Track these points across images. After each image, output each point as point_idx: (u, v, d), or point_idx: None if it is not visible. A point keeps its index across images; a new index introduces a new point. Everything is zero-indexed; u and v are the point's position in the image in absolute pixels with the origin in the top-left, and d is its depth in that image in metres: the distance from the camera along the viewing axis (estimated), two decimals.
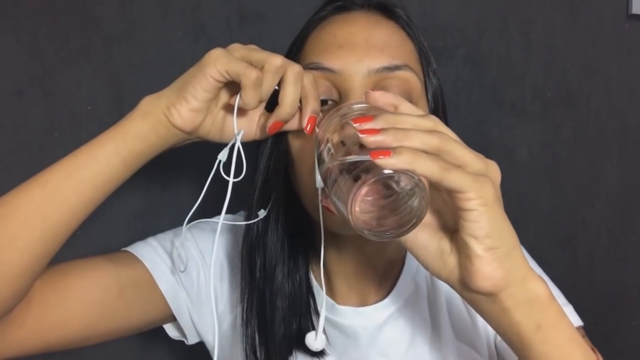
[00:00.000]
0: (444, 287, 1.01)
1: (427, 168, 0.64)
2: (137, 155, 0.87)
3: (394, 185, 0.68)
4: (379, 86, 0.89)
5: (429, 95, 0.95)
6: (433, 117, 0.72)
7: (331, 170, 0.72)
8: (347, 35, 0.91)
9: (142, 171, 0.91)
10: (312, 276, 1.02)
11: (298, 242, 0.99)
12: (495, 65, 1.41)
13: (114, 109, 1.32)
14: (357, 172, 0.67)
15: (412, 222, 0.67)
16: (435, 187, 0.69)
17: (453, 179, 0.65)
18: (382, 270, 1.02)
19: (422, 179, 0.65)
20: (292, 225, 0.99)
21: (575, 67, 1.42)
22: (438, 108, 0.97)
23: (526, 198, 1.45)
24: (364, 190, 0.65)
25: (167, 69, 1.29)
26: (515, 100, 1.42)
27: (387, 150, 0.64)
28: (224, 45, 0.86)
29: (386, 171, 0.64)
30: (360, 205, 0.66)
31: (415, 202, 0.66)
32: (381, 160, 0.63)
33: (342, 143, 0.72)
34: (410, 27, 0.96)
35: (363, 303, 1.01)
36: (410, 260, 1.03)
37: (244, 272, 1.00)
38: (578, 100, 1.43)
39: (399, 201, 0.68)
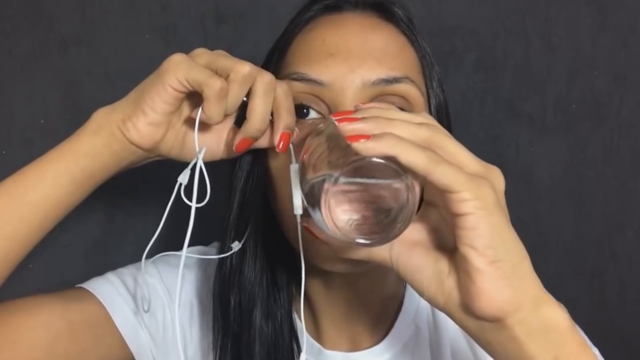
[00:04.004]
0: (448, 331, 1.01)
1: (412, 156, 0.63)
2: (89, 175, 0.88)
3: (383, 200, 0.68)
4: (374, 102, 0.88)
5: (431, 110, 0.94)
6: (426, 114, 0.73)
7: (315, 187, 0.70)
8: (339, 41, 0.90)
9: (102, 194, 0.92)
10: (295, 317, 1.02)
11: (279, 277, 1.00)
12: (511, 73, 1.42)
13: (71, 123, 1.20)
14: None
15: (397, 226, 0.67)
16: (429, 195, 0.70)
17: (444, 173, 0.64)
18: (377, 311, 1.02)
19: (412, 180, 0.65)
20: (272, 258, 0.99)
21: (603, 75, 1.42)
22: (442, 124, 0.96)
23: (547, 225, 1.45)
24: (342, 181, 0.65)
25: (132, 76, 1.25)
26: (534, 113, 1.42)
27: (367, 135, 0.64)
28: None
29: (364, 162, 0.64)
30: (337, 203, 0.66)
31: (403, 204, 0.66)
32: (360, 144, 0.64)
33: (329, 161, 0.71)
34: (411, 31, 0.95)
35: (354, 348, 1.02)
36: (409, 299, 1.03)
37: (216, 314, 0.99)
38: (607, 113, 1.42)
39: (385, 208, 0.68)
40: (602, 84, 1.43)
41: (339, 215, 0.67)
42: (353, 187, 0.67)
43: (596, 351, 0.98)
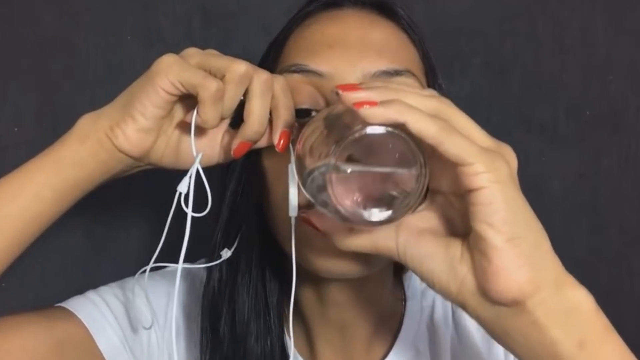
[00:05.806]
0: (449, 353, 1.03)
1: (422, 123, 0.63)
2: (72, 186, 0.87)
3: (392, 177, 0.68)
4: None
5: None
6: (433, 90, 0.73)
7: (318, 169, 0.70)
8: (339, 34, 0.92)
9: (82, 206, 0.91)
10: (286, 337, 1.01)
11: (269, 298, 1.00)
12: (520, 77, 1.43)
13: (48, 131, 1.32)
14: None
15: (407, 203, 0.67)
16: (434, 181, 0.70)
17: (456, 143, 0.63)
18: (375, 331, 1.03)
19: (419, 151, 0.65)
20: (265, 268, 1.00)
21: (620, 79, 1.42)
22: None
23: (559, 241, 1.33)
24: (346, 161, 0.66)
25: (113, 80, 1.31)
26: (545, 121, 1.43)
27: (373, 101, 0.65)
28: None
29: (371, 130, 0.64)
30: (344, 180, 0.67)
31: (412, 180, 0.67)
32: (366, 110, 0.64)
33: (330, 139, 0.71)
34: (413, 31, 0.97)
35: None
36: (409, 320, 1.05)
37: (205, 328, 1.00)
38: (624, 120, 1.43)
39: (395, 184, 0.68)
40: (618, 89, 1.43)
41: (346, 193, 0.68)
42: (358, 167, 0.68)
43: None
